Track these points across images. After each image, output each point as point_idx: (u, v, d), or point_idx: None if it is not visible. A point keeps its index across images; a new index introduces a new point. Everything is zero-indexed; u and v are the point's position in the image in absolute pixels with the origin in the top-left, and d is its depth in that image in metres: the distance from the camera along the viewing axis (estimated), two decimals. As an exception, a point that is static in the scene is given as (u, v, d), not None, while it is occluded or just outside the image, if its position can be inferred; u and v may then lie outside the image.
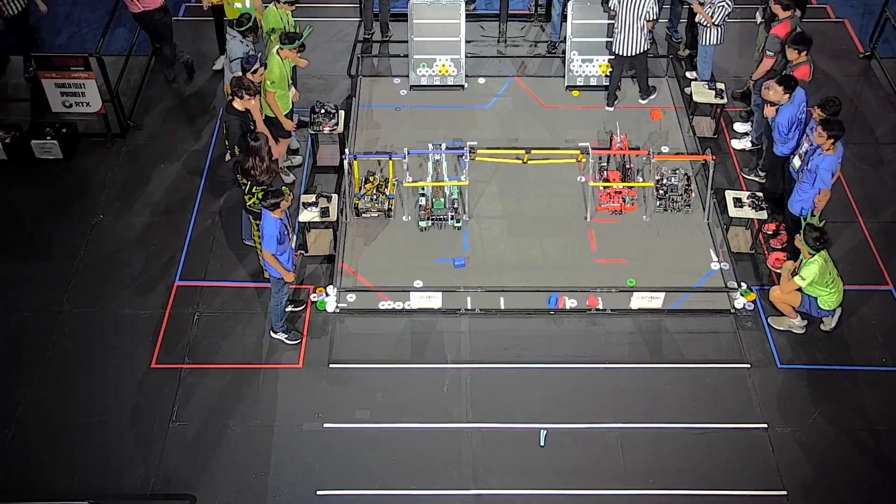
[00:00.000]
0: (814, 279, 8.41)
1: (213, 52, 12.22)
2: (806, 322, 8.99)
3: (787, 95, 9.17)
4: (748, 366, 8.80)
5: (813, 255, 8.37)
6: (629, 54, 10.88)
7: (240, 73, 9.17)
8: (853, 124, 11.25)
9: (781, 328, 9.05)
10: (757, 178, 10.54)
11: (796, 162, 9.22)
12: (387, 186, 10.16)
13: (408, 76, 11.72)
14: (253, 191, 8.50)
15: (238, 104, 8.86)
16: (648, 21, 10.66)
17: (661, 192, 10.14)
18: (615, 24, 10.74)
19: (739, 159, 10.90)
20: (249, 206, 8.73)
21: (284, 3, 10.02)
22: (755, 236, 9.82)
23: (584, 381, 8.65)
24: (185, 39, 12.56)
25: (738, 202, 9.61)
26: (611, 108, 11.48)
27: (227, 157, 9.10)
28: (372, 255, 9.71)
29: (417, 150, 10.37)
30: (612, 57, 11.14)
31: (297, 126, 10.35)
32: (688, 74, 11.73)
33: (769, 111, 9.45)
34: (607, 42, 11.27)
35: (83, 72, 10.44)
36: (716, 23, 10.67)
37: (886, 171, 10.73)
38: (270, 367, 8.75)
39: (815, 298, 8.65)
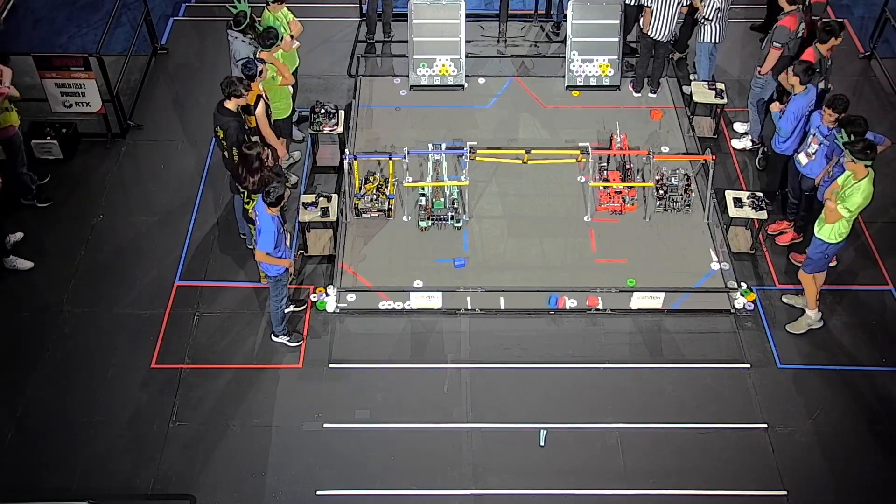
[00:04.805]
0: (860, 206, 8.14)
1: (215, 51, 12.22)
2: (822, 314, 8.97)
3: (804, 87, 9.07)
4: (748, 366, 8.81)
5: (868, 166, 8.00)
6: (663, 39, 10.95)
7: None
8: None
9: (801, 331, 9.02)
10: (758, 167, 10.73)
11: (802, 158, 9.16)
12: (387, 186, 10.16)
13: (408, 76, 11.71)
14: (252, 198, 8.41)
15: (230, 104, 8.57)
16: (684, 6, 10.75)
17: (661, 192, 10.14)
18: (653, 9, 10.73)
19: (739, 159, 10.91)
20: (251, 214, 8.58)
21: (274, 2, 9.94)
22: (755, 236, 9.82)
23: (584, 381, 8.65)
24: (186, 39, 12.59)
25: (738, 202, 9.61)
26: (638, 94, 11.59)
27: (225, 157, 9.02)
28: (372, 255, 9.71)
29: (417, 150, 10.37)
30: (643, 41, 11.21)
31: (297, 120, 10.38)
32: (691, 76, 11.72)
33: (776, 107, 9.41)
34: (637, 29, 11.36)
35: (83, 72, 10.44)
36: (707, 17, 10.66)
37: (886, 171, 10.70)
38: (270, 368, 8.75)
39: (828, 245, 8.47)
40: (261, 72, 8.90)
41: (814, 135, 8.98)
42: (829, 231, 8.39)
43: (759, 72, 10.24)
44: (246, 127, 8.77)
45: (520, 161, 10.28)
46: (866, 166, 8.02)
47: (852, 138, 8.08)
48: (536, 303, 9.27)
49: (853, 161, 8.01)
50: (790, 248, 9.85)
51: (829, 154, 8.83)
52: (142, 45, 12.05)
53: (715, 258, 9.68)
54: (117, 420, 8.33)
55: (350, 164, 9.82)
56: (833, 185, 8.38)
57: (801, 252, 9.58)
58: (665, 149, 10.85)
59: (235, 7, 9.49)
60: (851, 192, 8.11)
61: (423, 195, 10.02)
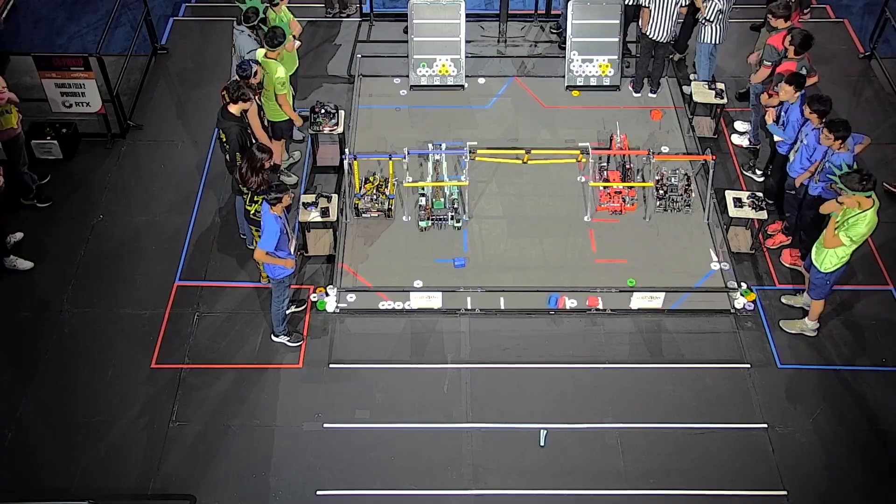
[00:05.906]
0: (864, 236, 8.01)
1: (215, 51, 12.23)
2: (818, 325, 8.98)
3: (797, 94, 9.07)
4: (748, 366, 8.81)
5: (869, 196, 7.86)
6: (662, 40, 10.97)
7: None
8: (853, 124, 11.22)
9: (793, 331, 9.03)
10: (754, 177, 10.58)
11: (791, 156, 9.22)
12: (387, 186, 10.16)
13: (408, 76, 11.71)
14: (255, 199, 8.40)
15: (234, 108, 8.59)
16: (682, 7, 10.78)
17: (661, 192, 10.15)
18: (651, 11, 10.75)
19: (739, 159, 10.91)
20: (252, 215, 8.57)
21: (274, 4, 9.94)
22: (755, 236, 9.82)
23: (584, 381, 8.65)
24: (186, 39, 12.59)
25: (738, 202, 9.62)
26: (638, 94, 11.60)
27: (227, 161, 9.01)
28: (372, 255, 9.71)
29: (417, 150, 10.38)
30: (643, 41, 11.23)
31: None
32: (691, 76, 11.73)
33: (769, 116, 9.44)
34: (636, 28, 11.41)
35: (83, 72, 10.44)
36: (708, 18, 10.68)
37: (886, 171, 10.71)
38: (271, 368, 8.75)
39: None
40: (255, 73, 8.89)
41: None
42: (827, 257, 8.33)
43: (752, 80, 10.33)
44: (249, 131, 8.77)
45: (520, 161, 10.28)
46: (867, 196, 7.92)
47: (846, 170, 8.04)
48: (536, 303, 9.27)
49: (852, 195, 7.87)
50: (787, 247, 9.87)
51: (811, 155, 8.84)
52: (142, 45, 12.05)
53: (715, 258, 9.69)
54: (117, 420, 8.33)
55: (350, 164, 9.82)
56: (832, 204, 8.23)
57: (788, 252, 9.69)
58: (665, 149, 10.85)
59: (244, 3, 9.47)
60: (856, 220, 7.99)
61: (423, 195, 10.03)
